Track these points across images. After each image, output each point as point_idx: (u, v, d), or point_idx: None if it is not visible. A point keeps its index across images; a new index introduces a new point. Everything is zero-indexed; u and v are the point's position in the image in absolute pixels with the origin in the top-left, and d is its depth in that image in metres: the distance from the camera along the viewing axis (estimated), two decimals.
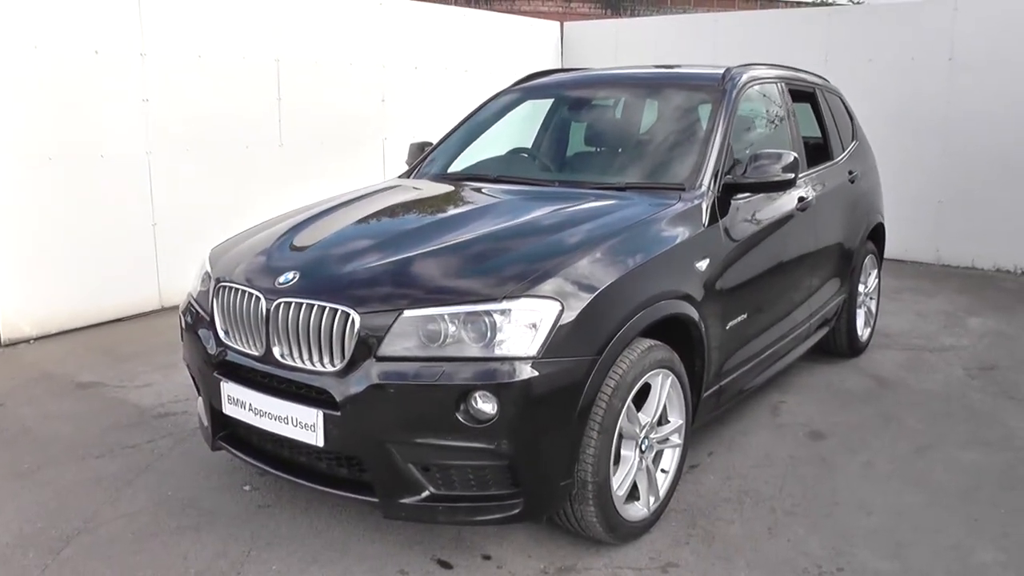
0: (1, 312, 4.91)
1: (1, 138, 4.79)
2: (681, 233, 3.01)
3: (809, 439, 3.68)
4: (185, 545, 2.81)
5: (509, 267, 2.62)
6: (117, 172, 5.35)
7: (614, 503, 2.65)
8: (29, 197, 4.95)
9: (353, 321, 2.48)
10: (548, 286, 2.50)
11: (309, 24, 6.38)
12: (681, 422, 2.95)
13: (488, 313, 2.43)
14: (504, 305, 2.44)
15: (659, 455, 2.92)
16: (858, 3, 12.74)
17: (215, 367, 2.80)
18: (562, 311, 2.47)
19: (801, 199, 3.83)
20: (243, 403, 2.70)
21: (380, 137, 7.05)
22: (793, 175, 3.27)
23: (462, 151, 4.03)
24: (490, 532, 2.86)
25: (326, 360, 2.53)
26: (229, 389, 2.74)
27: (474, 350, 2.41)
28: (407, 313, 2.46)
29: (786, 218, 3.69)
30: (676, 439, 2.96)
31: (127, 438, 3.65)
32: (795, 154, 3.30)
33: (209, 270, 3.04)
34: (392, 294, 2.55)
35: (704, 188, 3.22)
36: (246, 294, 2.74)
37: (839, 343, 4.61)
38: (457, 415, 2.37)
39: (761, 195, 3.46)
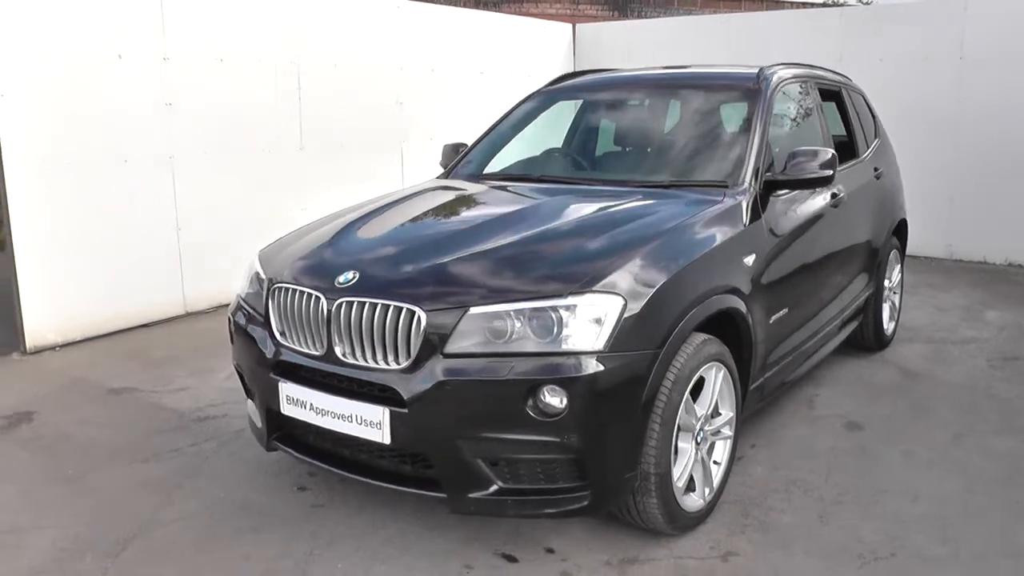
0: (25, 319, 4.89)
1: (25, 144, 4.78)
2: (728, 229, 3.06)
3: (847, 430, 3.74)
4: (246, 546, 2.83)
5: (571, 263, 2.66)
6: (140, 177, 5.34)
7: (675, 494, 2.70)
8: (52, 203, 4.94)
9: (419, 319, 2.51)
10: (611, 281, 2.54)
11: (328, 27, 6.39)
12: (732, 414, 3.00)
13: (555, 309, 2.47)
14: (570, 301, 2.48)
15: (712, 447, 2.97)
16: (867, 3, 12.81)
17: (272, 368, 2.82)
18: (625, 305, 2.51)
19: (834, 195, 3.89)
20: (303, 403, 2.72)
21: (398, 139, 7.06)
22: (831, 171, 3.32)
23: (498, 152, 4.06)
24: (549, 525, 2.89)
25: (391, 358, 2.55)
26: (288, 389, 2.76)
27: (540, 345, 2.45)
28: (473, 310, 2.49)
29: (821, 214, 3.74)
30: (727, 431, 3.01)
31: (169, 442, 3.65)
32: (832, 151, 3.35)
33: (260, 271, 3.05)
34: (457, 292, 2.58)
35: (746, 185, 3.27)
36: (305, 294, 2.76)
37: (866, 336, 4.67)
38: (527, 409, 2.41)
39: (798, 191, 3.51)
